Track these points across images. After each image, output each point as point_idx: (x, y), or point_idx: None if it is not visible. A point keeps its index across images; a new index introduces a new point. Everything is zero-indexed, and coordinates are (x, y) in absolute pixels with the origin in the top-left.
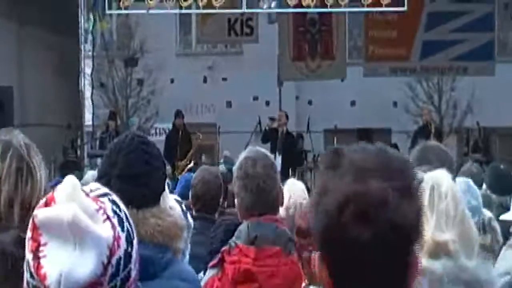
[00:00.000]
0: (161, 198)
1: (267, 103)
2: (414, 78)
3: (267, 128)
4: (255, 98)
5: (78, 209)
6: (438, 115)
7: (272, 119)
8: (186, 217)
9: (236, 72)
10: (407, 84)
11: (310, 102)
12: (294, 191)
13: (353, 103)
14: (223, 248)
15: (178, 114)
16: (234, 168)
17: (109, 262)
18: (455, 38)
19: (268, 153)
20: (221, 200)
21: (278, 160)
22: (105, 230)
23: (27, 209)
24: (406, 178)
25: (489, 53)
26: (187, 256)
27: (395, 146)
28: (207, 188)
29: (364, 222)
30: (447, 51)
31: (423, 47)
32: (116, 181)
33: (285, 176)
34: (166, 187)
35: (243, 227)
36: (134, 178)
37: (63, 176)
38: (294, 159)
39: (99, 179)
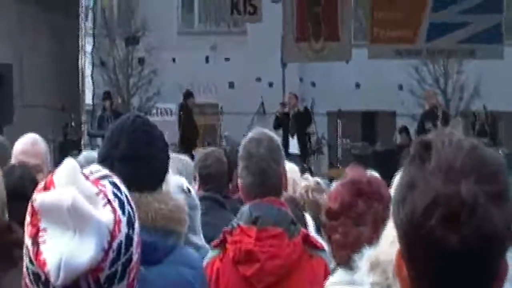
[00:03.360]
0: (164, 182)
1: (270, 84)
2: (420, 60)
3: (278, 114)
4: (258, 79)
5: (78, 193)
6: (444, 98)
7: (283, 105)
8: (191, 197)
9: (239, 52)
10: (413, 66)
11: (313, 84)
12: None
13: (357, 86)
14: (225, 229)
15: (191, 94)
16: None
17: (110, 247)
18: (462, 20)
19: (275, 136)
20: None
21: (294, 143)
22: (105, 215)
23: None
24: (499, 183)
25: (497, 35)
26: (201, 235)
27: (405, 129)
28: (215, 168)
29: (451, 227)
30: (454, 34)
31: (430, 29)
32: (118, 163)
33: (302, 157)
34: (170, 169)
35: (245, 208)
36: (136, 160)
37: (62, 156)
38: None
39: (101, 161)
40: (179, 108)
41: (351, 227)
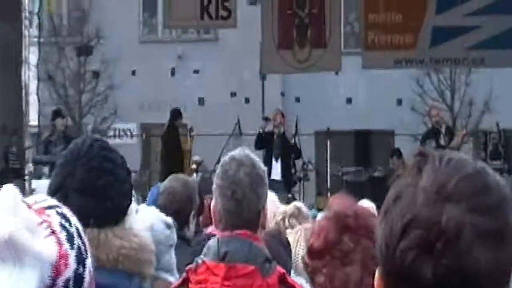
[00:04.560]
0: (127, 215)
1: (247, 100)
2: (422, 70)
3: (261, 131)
4: (233, 95)
5: (18, 223)
6: (451, 115)
7: (267, 120)
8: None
9: (210, 63)
10: (414, 77)
11: (298, 100)
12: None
13: (349, 101)
14: (188, 266)
15: (180, 113)
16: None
17: (54, 284)
18: (471, 23)
19: (260, 163)
20: (192, 214)
21: (277, 167)
22: (46, 247)
23: None
24: (498, 218)
25: (511, 40)
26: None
27: (398, 151)
28: (172, 199)
29: (426, 255)
30: (461, 39)
31: (433, 34)
32: (74, 195)
33: (286, 185)
34: (134, 201)
35: (212, 241)
36: (95, 191)
37: (1, 185)
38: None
39: (53, 193)
40: (165, 131)
41: (337, 268)
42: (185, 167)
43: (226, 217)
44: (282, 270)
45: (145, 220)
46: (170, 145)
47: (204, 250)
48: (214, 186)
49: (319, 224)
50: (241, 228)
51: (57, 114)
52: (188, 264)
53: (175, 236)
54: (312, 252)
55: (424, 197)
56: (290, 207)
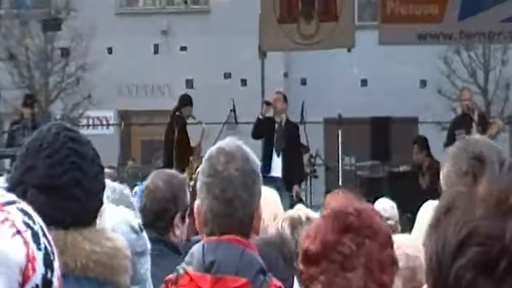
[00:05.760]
0: (99, 216)
1: (244, 82)
2: (450, 47)
3: (260, 117)
4: (227, 76)
5: None
6: (484, 99)
7: (267, 104)
8: (142, 238)
9: (200, 39)
10: (441, 55)
11: (304, 81)
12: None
13: (364, 83)
14: (168, 277)
15: (189, 100)
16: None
17: None
18: None
19: (253, 155)
20: (178, 216)
21: (278, 161)
22: (14, 248)
23: None
24: None
25: None
26: None
27: (424, 140)
28: (152, 198)
29: (485, 277)
30: (496, 9)
31: (463, 4)
32: (34, 192)
33: (290, 182)
34: (105, 199)
35: (196, 248)
36: (60, 188)
37: None
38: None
39: (11, 189)
40: (174, 120)
41: (336, 274)
42: (189, 167)
43: (213, 220)
44: (279, 284)
45: (106, 221)
46: (177, 136)
47: (187, 258)
48: (199, 184)
49: (315, 224)
50: (231, 233)
51: (28, 100)
52: None
53: (145, 242)
54: (307, 257)
55: (483, 209)
56: (296, 212)
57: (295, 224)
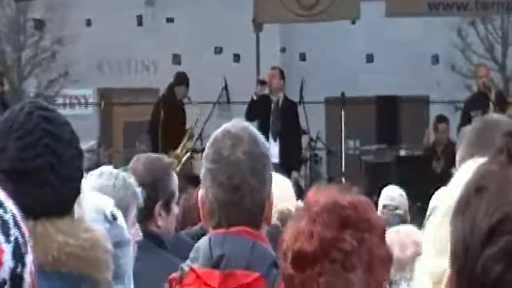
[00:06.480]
0: (77, 204)
1: (237, 58)
2: (464, 18)
3: (254, 97)
4: (218, 51)
5: None
6: (502, 76)
7: (262, 83)
8: (118, 227)
9: (188, 9)
10: (454, 27)
11: (303, 57)
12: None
13: (369, 58)
14: (172, 275)
15: (183, 79)
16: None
17: None
18: None
19: (264, 140)
20: (159, 204)
21: (275, 145)
22: None
23: None
24: None
25: None
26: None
27: (444, 119)
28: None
29: None
30: None
31: None
32: (3, 178)
33: (287, 168)
34: (84, 187)
35: (202, 243)
36: (33, 174)
37: None
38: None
39: None
40: (162, 99)
41: (338, 275)
42: (179, 152)
43: (219, 210)
44: None
45: (86, 211)
46: (168, 117)
47: (192, 253)
48: (202, 171)
49: (308, 220)
50: (240, 224)
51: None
52: (165, 272)
53: (121, 232)
54: (301, 259)
55: None
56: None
57: (284, 218)
